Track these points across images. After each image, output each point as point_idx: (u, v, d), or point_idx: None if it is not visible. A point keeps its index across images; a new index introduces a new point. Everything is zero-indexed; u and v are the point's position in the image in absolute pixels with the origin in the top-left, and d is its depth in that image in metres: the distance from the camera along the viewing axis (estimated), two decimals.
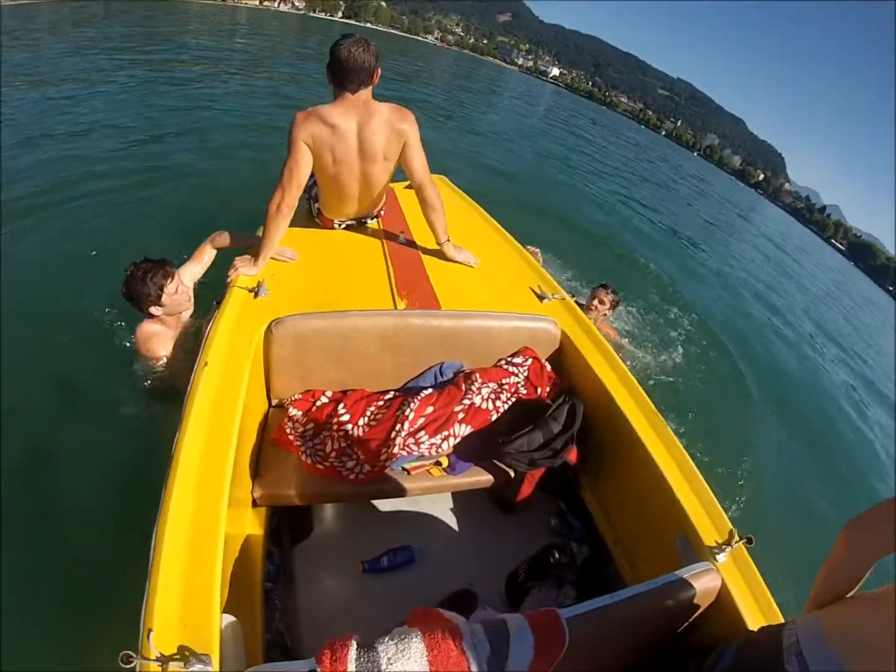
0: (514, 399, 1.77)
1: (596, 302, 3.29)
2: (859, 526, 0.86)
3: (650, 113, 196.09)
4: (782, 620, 1.18)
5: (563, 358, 1.96)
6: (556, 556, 1.68)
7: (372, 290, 1.90)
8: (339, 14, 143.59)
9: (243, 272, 1.84)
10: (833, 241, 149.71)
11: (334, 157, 1.96)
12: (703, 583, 1.20)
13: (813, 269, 24.68)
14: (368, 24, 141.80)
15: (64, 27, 14.05)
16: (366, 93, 1.92)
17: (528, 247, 2.59)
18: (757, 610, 1.20)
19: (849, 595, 0.87)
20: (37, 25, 12.92)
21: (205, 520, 1.06)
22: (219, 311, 1.63)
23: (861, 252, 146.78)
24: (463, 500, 1.90)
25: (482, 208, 2.88)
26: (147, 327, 2.14)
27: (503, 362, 1.87)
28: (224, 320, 1.57)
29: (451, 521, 1.86)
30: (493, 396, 1.74)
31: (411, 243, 2.29)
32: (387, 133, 1.97)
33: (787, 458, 3.57)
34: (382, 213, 2.44)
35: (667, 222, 11.75)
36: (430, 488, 1.67)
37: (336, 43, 1.86)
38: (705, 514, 1.40)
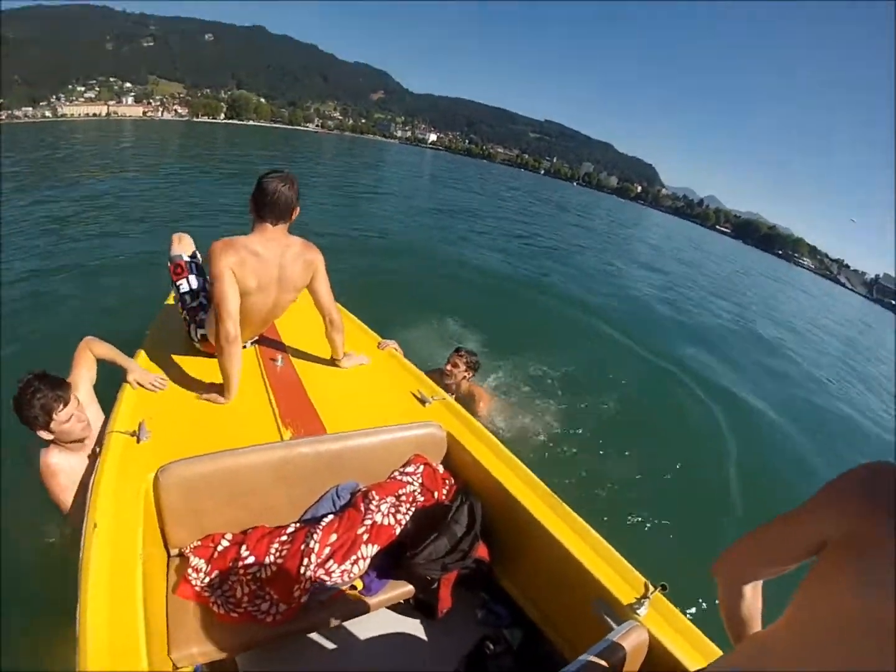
0: (413, 508, 1.81)
1: (449, 367, 3.31)
2: (722, 560, 0.92)
3: (527, 157, 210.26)
4: (718, 652, 1.25)
5: (453, 457, 2.02)
6: (491, 647, 1.69)
7: (256, 421, 1.90)
8: (222, 115, 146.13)
9: (215, 399, 1.93)
10: (717, 227, 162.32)
11: (258, 285, 1.99)
12: (632, 640, 1.26)
13: (702, 257, 27.05)
14: (251, 122, 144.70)
15: None
16: (283, 227, 2.01)
17: (386, 342, 2.62)
18: (690, 648, 1.28)
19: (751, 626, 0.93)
20: None
21: None
22: (100, 460, 1.56)
23: (745, 230, 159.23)
24: (388, 615, 1.87)
25: (351, 314, 2.88)
26: (46, 459, 1.87)
27: (396, 474, 1.91)
28: (107, 472, 1.51)
29: (382, 639, 1.81)
30: (392, 510, 1.77)
31: (289, 367, 2.30)
32: (301, 264, 2.07)
33: (689, 488, 3.66)
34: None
35: (564, 252, 12.61)
36: (350, 613, 1.66)
37: (264, 176, 1.94)
38: (616, 575, 1.48)
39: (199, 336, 2.25)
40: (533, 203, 28.46)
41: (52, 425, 1.78)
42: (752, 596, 0.92)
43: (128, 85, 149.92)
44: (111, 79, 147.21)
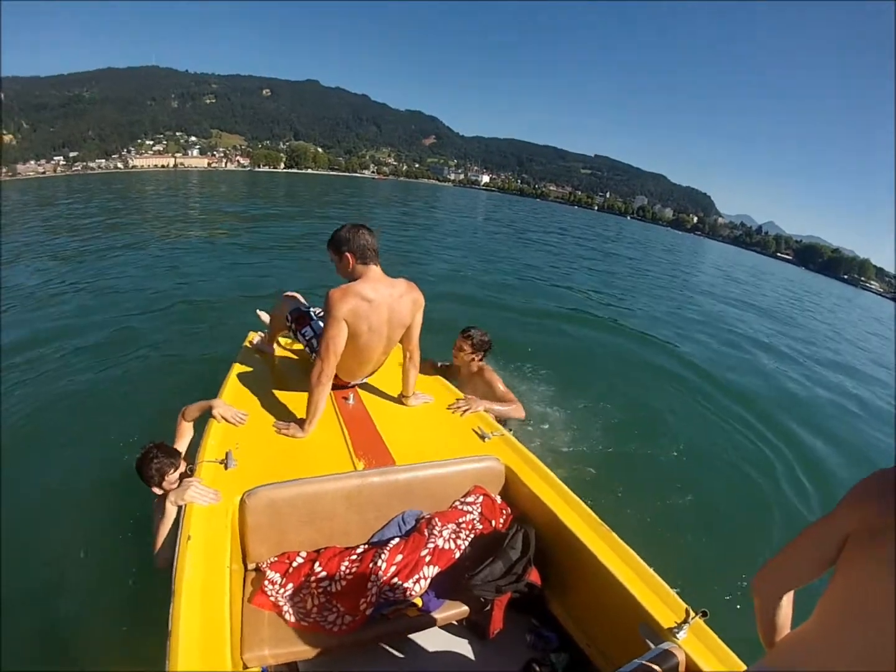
0: (473, 535, 1.98)
1: (455, 350, 3.19)
2: (762, 578, 1.06)
3: (579, 193, 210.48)
4: None
5: (511, 488, 2.19)
6: (538, 669, 1.77)
7: (331, 453, 2.12)
8: (282, 165, 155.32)
9: (296, 435, 2.16)
10: (778, 254, 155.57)
11: (369, 327, 2.25)
12: (667, 662, 1.36)
13: (768, 287, 25.99)
14: (309, 170, 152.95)
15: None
16: (379, 267, 2.30)
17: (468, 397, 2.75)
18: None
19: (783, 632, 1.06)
20: None
21: None
22: (198, 481, 1.82)
23: (807, 255, 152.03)
24: (442, 634, 2.00)
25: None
26: (157, 504, 2.21)
27: (458, 503, 2.09)
28: None
29: (435, 656, 1.95)
30: (453, 536, 1.95)
31: (360, 404, 2.54)
32: (409, 303, 2.33)
33: (739, 516, 3.67)
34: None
35: (623, 292, 12.57)
36: (409, 628, 1.81)
37: (347, 229, 2.24)
38: (660, 601, 1.58)
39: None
40: (587, 240, 28.48)
41: (164, 484, 2.15)
42: (787, 605, 1.05)
43: (192, 138, 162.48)
44: (177, 133, 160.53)
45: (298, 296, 2.89)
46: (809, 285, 45.09)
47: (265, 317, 3.32)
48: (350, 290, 2.18)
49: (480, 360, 3.23)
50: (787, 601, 1.05)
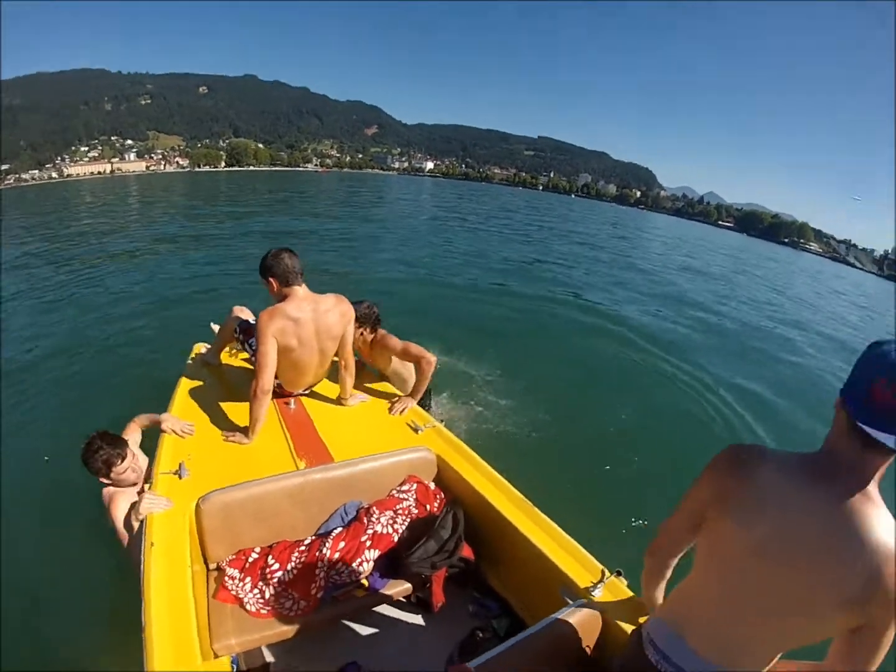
0: (409, 519, 2.17)
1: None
2: (652, 548, 1.30)
3: (524, 174, 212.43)
4: None
5: (443, 475, 2.39)
6: (481, 634, 1.99)
7: (275, 456, 2.29)
8: (223, 164, 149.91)
9: (241, 441, 2.34)
10: (720, 222, 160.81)
11: (299, 341, 2.44)
12: (581, 617, 1.55)
13: (709, 255, 27.25)
14: (251, 167, 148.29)
15: None
16: (304, 286, 2.46)
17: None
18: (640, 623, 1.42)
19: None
20: None
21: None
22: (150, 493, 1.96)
23: (748, 222, 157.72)
24: (392, 611, 2.19)
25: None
26: (106, 497, 2.30)
27: (394, 491, 2.28)
28: None
29: (385, 630, 2.13)
30: (391, 522, 2.13)
31: (300, 408, 2.71)
32: (336, 315, 2.54)
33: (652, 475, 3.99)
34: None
35: (570, 269, 12.98)
36: (359, 608, 2.01)
37: (270, 257, 2.41)
38: (578, 565, 1.79)
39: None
40: (532, 218, 29.03)
41: (112, 475, 2.25)
42: (669, 570, 1.33)
43: (129, 142, 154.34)
44: (112, 137, 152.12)
45: (247, 310, 3.05)
46: (748, 250, 47.34)
47: (216, 328, 3.43)
48: (276, 311, 2.38)
49: (372, 332, 3.18)
50: (670, 568, 1.31)
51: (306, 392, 2.83)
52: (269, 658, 1.95)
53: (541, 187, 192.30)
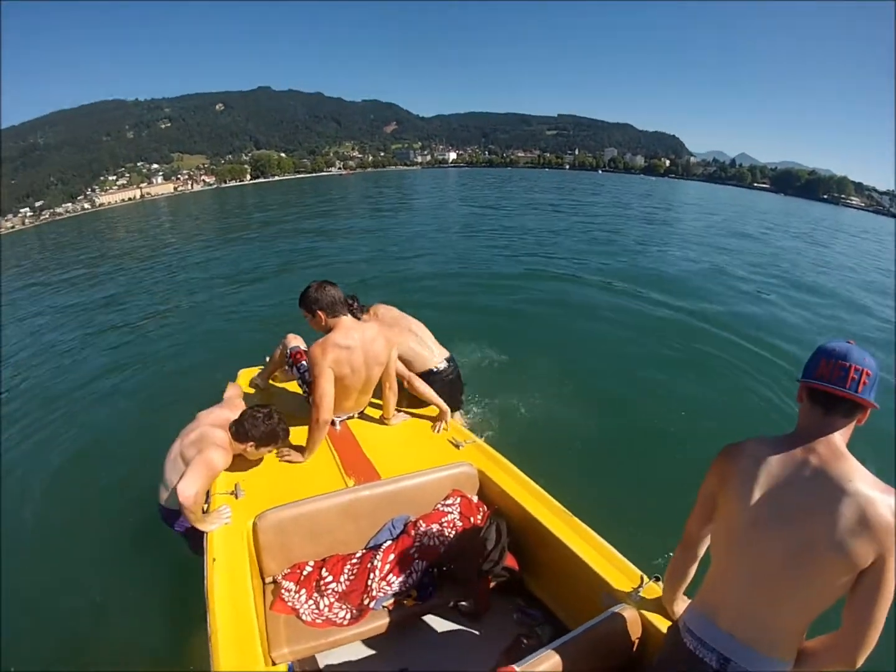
0: (454, 531, 2.34)
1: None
2: (679, 549, 1.50)
3: (548, 155, 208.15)
4: None
5: (485, 488, 2.53)
6: (525, 642, 2.03)
7: (325, 475, 2.48)
8: (248, 177, 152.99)
9: (296, 460, 2.52)
10: (755, 184, 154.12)
11: (351, 370, 2.58)
12: (621, 620, 1.64)
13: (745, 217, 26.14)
14: (276, 177, 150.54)
15: None
16: (350, 315, 2.61)
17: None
18: None
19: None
20: None
21: None
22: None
23: (784, 181, 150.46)
24: (438, 619, 2.28)
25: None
26: (223, 440, 2.38)
27: (439, 506, 2.44)
28: None
29: (434, 638, 2.23)
30: (437, 535, 2.30)
31: (346, 429, 2.88)
32: (382, 342, 2.67)
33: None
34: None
35: (606, 250, 12.89)
36: (407, 617, 2.14)
37: (314, 290, 2.51)
38: (617, 571, 1.90)
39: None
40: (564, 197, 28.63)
41: (254, 445, 2.39)
42: (691, 565, 1.50)
43: (155, 166, 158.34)
44: (138, 163, 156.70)
45: (299, 338, 3.22)
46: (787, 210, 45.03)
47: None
48: (328, 343, 2.51)
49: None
50: (692, 566, 1.50)
51: (350, 417, 2.99)
52: (322, 665, 2.06)
53: (567, 166, 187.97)
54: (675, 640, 1.35)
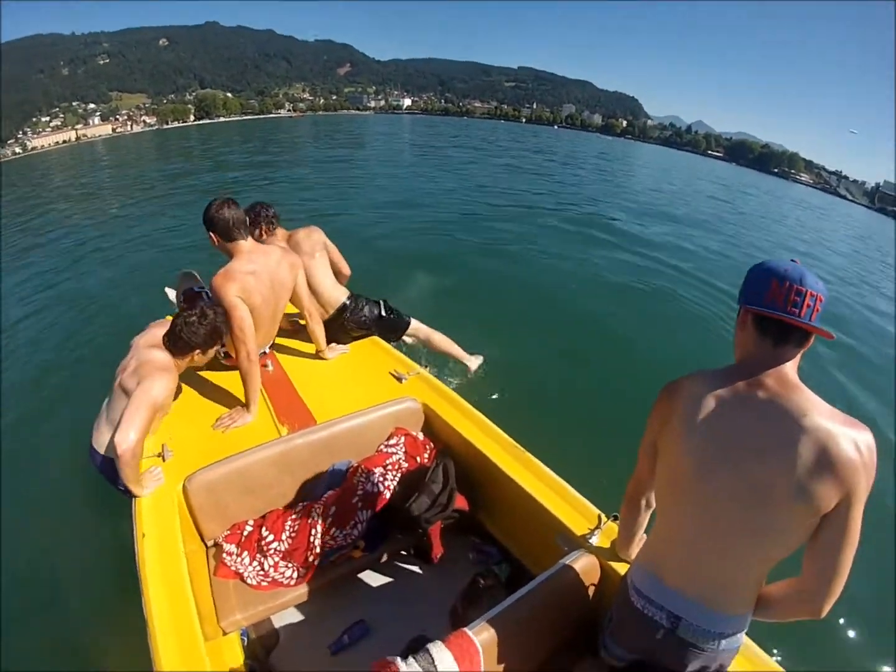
0: (400, 473, 2.09)
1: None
2: (625, 503, 1.35)
3: (505, 107, 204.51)
4: None
5: (431, 424, 2.31)
6: (482, 582, 1.98)
7: (257, 425, 2.19)
8: (192, 118, 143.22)
9: (241, 423, 2.18)
10: (710, 152, 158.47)
11: (262, 297, 2.28)
12: (580, 565, 1.51)
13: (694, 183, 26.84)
14: (221, 119, 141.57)
15: None
16: (251, 238, 2.30)
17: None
18: None
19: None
20: None
21: (191, 657, 1.31)
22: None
23: (738, 151, 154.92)
24: (392, 566, 2.17)
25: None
26: (162, 359, 2.03)
27: (382, 447, 2.19)
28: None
29: (389, 586, 2.12)
30: (381, 479, 2.05)
31: (279, 369, 2.57)
32: (287, 267, 2.39)
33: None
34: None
35: (558, 201, 12.65)
36: (358, 567, 1.99)
37: (209, 210, 2.20)
38: (573, 510, 1.75)
39: (223, 354, 2.53)
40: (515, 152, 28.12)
41: (199, 354, 2.06)
42: (641, 515, 1.35)
43: (91, 106, 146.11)
44: (73, 103, 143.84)
45: (195, 273, 2.83)
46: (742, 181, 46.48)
47: (171, 294, 3.16)
48: (230, 271, 2.21)
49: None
50: (642, 517, 1.36)
51: (270, 348, 2.67)
52: (278, 626, 1.96)
53: (524, 119, 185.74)
54: (624, 598, 1.23)
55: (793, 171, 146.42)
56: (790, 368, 0.99)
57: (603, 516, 1.68)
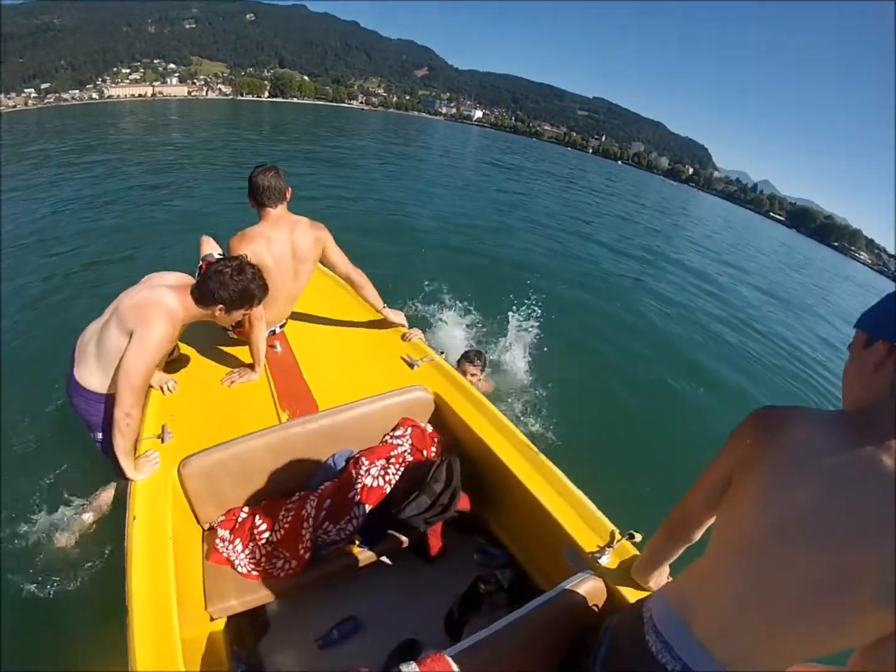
0: (403, 467, 1.92)
1: (469, 377, 3.24)
2: (663, 526, 1.14)
3: (574, 135, 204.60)
4: None
5: (441, 415, 2.14)
6: (483, 587, 1.83)
7: (259, 409, 2.08)
8: (266, 94, 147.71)
9: (246, 379, 2.18)
10: (771, 213, 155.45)
11: (274, 262, 2.22)
12: (585, 589, 1.34)
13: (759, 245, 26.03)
14: (294, 100, 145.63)
15: None
16: (283, 208, 2.27)
17: (411, 332, 2.57)
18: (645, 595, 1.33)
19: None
20: None
21: (165, 644, 1.23)
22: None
23: (799, 218, 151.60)
24: (390, 563, 2.06)
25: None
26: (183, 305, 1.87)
27: (388, 437, 2.03)
28: None
29: (386, 582, 2.04)
30: (382, 473, 1.88)
31: (287, 351, 2.44)
32: (311, 239, 2.34)
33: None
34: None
35: (615, 240, 12.35)
36: (352, 564, 1.85)
37: (252, 174, 2.20)
38: (584, 524, 1.58)
39: (231, 325, 2.39)
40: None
41: (221, 312, 1.87)
42: (677, 548, 1.14)
43: (171, 66, 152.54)
44: (155, 60, 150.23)
45: (211, 241, 2.73)
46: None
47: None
48: (247, 234, 2.19)
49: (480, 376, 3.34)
50: (677, 549, 1.14)
51: (281, 327, 2.57)
52: (268, 615, 1.92)
53: (591, 150, 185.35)
54: (636, 633, 1.01)
55: (853, 248, 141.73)
56: None
57: (617, 533, 1.50)
